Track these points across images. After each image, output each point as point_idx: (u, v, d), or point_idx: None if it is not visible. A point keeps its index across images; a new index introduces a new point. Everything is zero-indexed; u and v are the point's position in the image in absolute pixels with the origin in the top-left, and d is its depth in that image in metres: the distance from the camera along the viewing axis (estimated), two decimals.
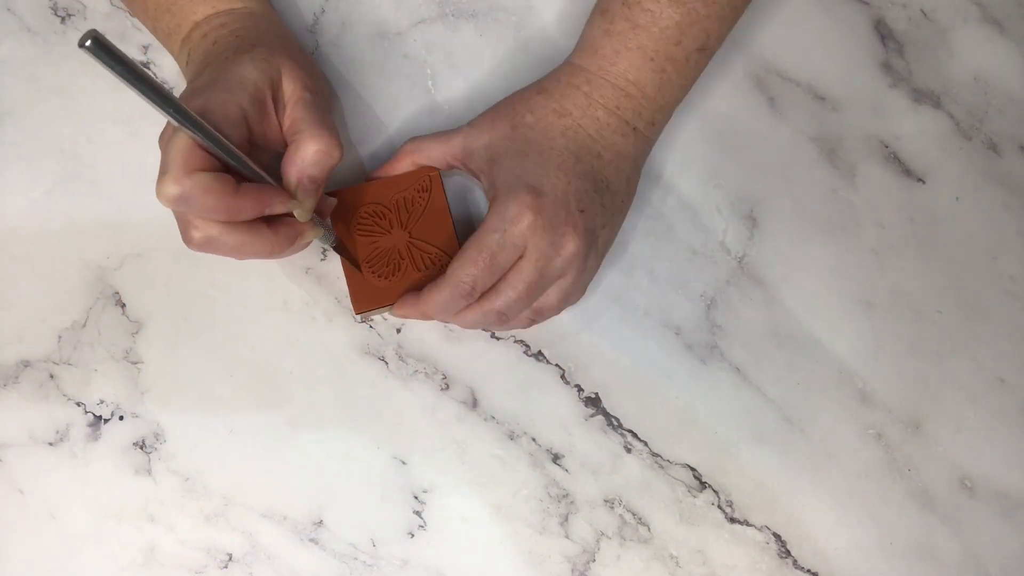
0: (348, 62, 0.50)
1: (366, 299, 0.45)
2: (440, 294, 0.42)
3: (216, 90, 0.38)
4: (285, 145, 0.41)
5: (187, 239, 0.38)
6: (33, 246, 0.48)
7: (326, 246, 0.44)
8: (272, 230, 0.39)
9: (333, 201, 0.45)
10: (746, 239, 0.50)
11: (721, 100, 0.51)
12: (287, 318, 0.48)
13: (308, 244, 0.42)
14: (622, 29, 0.43)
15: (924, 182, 0.51)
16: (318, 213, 0.43)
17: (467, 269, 0.41)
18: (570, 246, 0.42)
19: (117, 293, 0.48)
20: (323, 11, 0.50)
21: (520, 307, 0.43)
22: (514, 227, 0.41)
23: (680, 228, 0.50)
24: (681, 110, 0.50)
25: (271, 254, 0.40)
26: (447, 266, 0.43)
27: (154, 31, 0.45)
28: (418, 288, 0.44)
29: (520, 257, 0.42)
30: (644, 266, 0.49)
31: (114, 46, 0.30)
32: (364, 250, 0.45)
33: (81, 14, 0.50)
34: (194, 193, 0.35)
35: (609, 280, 0.49)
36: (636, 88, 0.44)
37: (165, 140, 0.36)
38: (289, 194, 0.39)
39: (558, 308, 0.44)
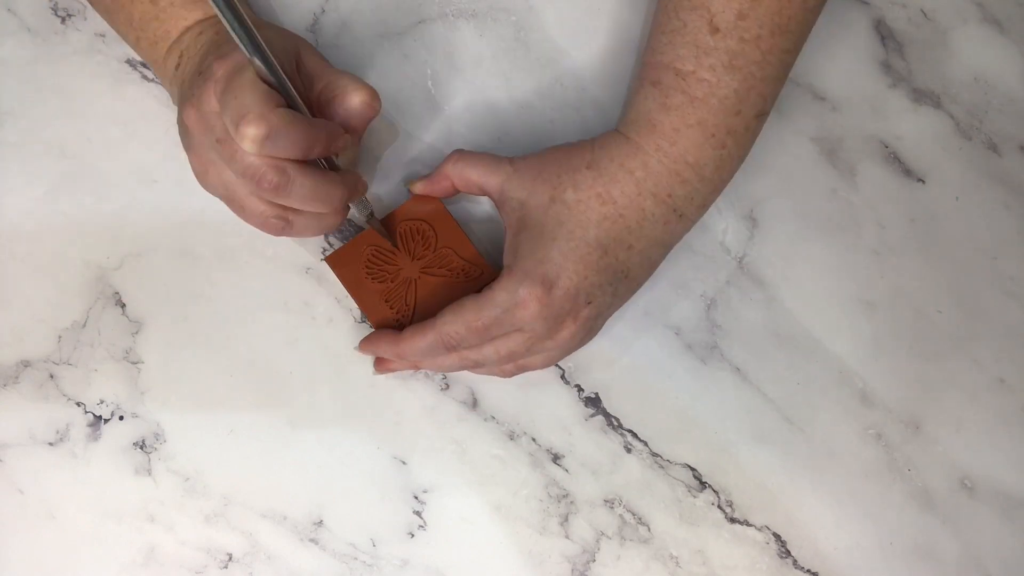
0: (348, 62, 0.50)
1: (344, 264, 0.45)
2: (424, 340, 0.42)
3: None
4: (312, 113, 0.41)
5: (263, 183, 0.37)
6: (33, 246, 0.48)
7: (363, 214, 0.44)
8: (341, 177, 0.39)
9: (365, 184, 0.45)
10: (746, 239, 0.50)
11: None
12: (287, 318, 0.48)
13: (343, 215, 0.43)
14: (679, 103, 0.41)
15: (924, 182, 0.51)
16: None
17: (457, 327, 0.41)
18: (566, 333, 0.42)
19: (117, 293, 0.48)
20: (323, 11, 0.50)
21: (497, 364, 0.43)
22: (517, 311, 0.41)
23: None
24: None
25: (341, 202, 0.39)
26: (405, 328, 0.44)
27: (136, 41, 0.45)
28: (376, 314, 0.45)
29: (515, 331, 0.42)
30: None
31: None
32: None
33: (81, 14, 0.50)
34: (280, 126, 0.35)
35: None
36: (693, 172, 0.42)
37: (220, 90, 0.36)
38: (347, 133, 0.39)
39: (538, 368, 0.45)
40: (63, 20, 0.50)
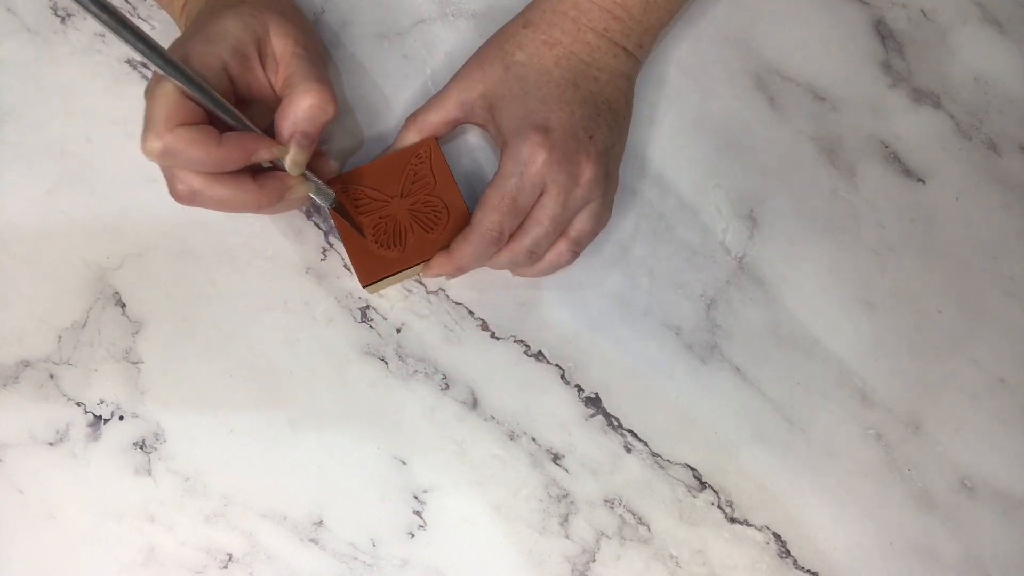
0: (348, 62, 0.50)
1: (372, 270, 0.45)
2: (470, 245, 0.43)
3: (196, 41, 0.38)
4: (275, 101, 0.41)
5: (172, 192, 0.38)
6: (33, 246, 0.48)
7: (324, 204, 0.44)
8: (258, 183, 0.39)
9: (336, 165, 0.45)
10: (746, 239, 0.50)
11: (721, 100, 0.51)
12: (287, 318, 0.48)
13: (301, 200, 0.43)
14: None
15: (924, 182, 0.51)
16: (319, 175, 0.43)
17: (491, 216, 0.42)
18: (587, 173, 0.42)
19: (117, 293, 0.48)
20: (323, 11, 0.50)
21: (548, 241, 0.44)
22: (530, 168, 0.41)
23: (680, 228, 0.50)
24: (681, 110, 0.50)
25: (258, 208, 0.40)
26: (458, 221, 0.44)
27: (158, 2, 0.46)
28: (431, 247, 0.45)
29: (541, 193, 0.42)
30: (644, 266, 0.49)
31: None
32: (368, 225, 0.45)
33: (81, 14, 0.50)
34: (177, 146, 0.35)
35: (609, 280, 0.49)
36: (623, 10, 0.44)
37: (149, 93, 0.37)
38: (275, 142, 0.39)
39: (593, 232, 0.45)
40: (63, 20, 0.50)
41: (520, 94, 0.43)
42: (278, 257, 0.48)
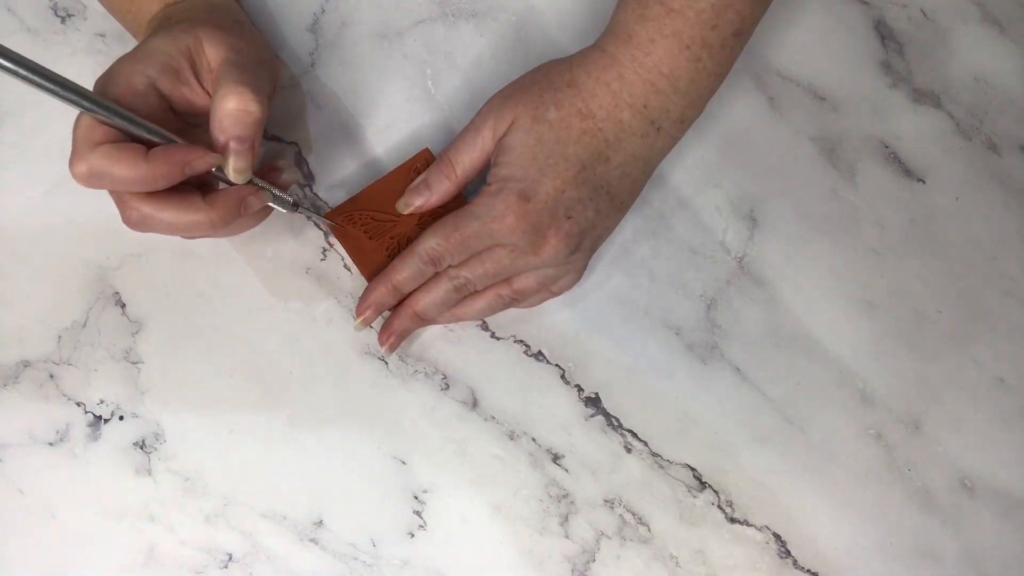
0: (348, 62, 0.50)
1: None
2: (408, 259, 0.44)
3: (123, 63, 0.38)
4: None
5: (125, 221, 0.38)
6: (33, 246, 0.48)
7: (283, 210, 0.43)
8: (208, 203, 0.38)
9: (294, 175, 0.45)
10: (746, 239, 0.50)
11: (721, 100, 0.51)
12: (287, 318, 0.48)
13: (263, 212, 0.42)
14: (657, 14, 0.41)
15: (924, 182, 0.51)
16: (278, 185, 0.43)
17: (437, 239, 0.43)
18: (549, 249, 0.42)
19: (117, 293, 0.48)
20: (323, 11, 0.50)
21: (481, 285, 0.44)
22: (494, 223, 0.42)
23: (680, 228, 0.50)
24: None
25: (214, 228, 0.39)
26: None
27: (126, 29, 0.46)
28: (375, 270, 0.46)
29: (496, 246, 0.43)
30: (644, 266, 0.49)
31: None
32: (381, 247, 0.46)
33: (81, 14, 0.50)
34: (102, 165, 0.35)
35: (609, 280, 0.49)
36: (668, 82, 0.42)
37: (75, 122, 0.37)
38: (207, 151, 0.38)
39: (537, 292, 0.45)
40: (63, 20, 0.50)
41: (529, 156, 0.42)
42: (278, 257, 0.48)
